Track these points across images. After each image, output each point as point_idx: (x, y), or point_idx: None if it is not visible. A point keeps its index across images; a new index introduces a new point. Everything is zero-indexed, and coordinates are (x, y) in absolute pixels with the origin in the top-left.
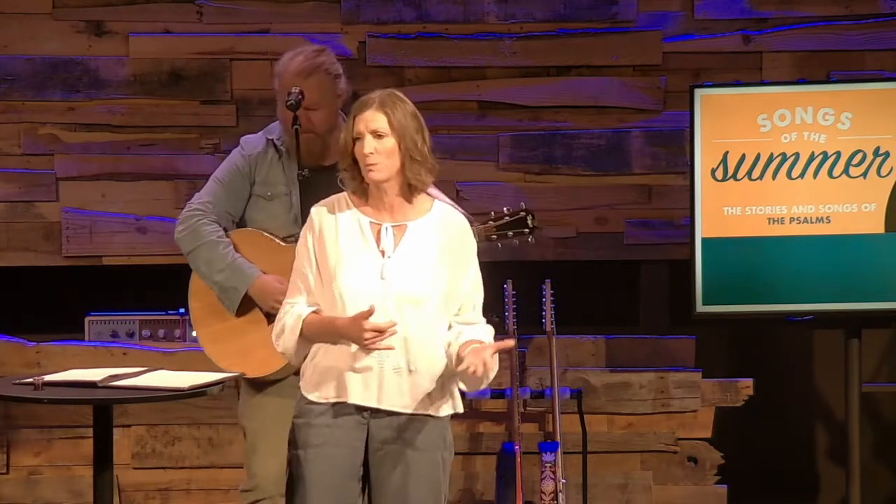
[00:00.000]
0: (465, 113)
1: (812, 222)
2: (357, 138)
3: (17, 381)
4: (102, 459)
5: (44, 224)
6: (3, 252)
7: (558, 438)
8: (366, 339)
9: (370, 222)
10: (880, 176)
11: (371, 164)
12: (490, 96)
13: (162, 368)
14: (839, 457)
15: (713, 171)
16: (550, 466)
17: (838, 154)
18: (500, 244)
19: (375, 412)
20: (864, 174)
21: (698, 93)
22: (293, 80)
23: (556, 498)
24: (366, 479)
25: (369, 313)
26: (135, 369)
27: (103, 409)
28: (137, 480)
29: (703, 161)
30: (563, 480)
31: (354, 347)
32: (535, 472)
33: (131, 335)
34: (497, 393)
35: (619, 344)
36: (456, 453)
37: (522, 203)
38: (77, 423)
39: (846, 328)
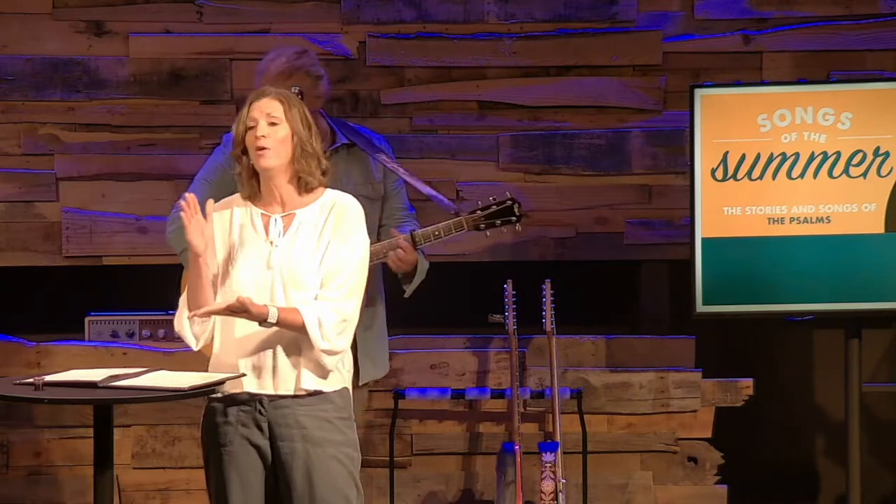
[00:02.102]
0: (465, 113)
1: (812, 222)
2: (251, 126)
3: (18, 381)
4: (102, 459)
5: (44, 224)
6: (3, 252)
7: (558, 438)
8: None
9: (261, 214)
10: (880, 176)
11: (261, 149)
12: (490, 96)
13: (162, 368)
14: (839, 457)
15: (713, 171)
16: (550, 466)
17: (838, 154)
18: (487, 233)
19: (272, 400)
20: (864, 174)
21: (698, 93)
22: (274, 80)
23: (556, 498)
24: (275, 475)
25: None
26: (135, 369)
27: (104, 409)
28: (137, 480)
29: (703, 161)
30: (563, 480)
31: (245, 331)
32: (535, 472)
33: (131, 335)
34: (497, 393)
35: (619, 344)
36: (456, 453)
37: (508, 192)
38: (77, 423)
39: (846, 328)
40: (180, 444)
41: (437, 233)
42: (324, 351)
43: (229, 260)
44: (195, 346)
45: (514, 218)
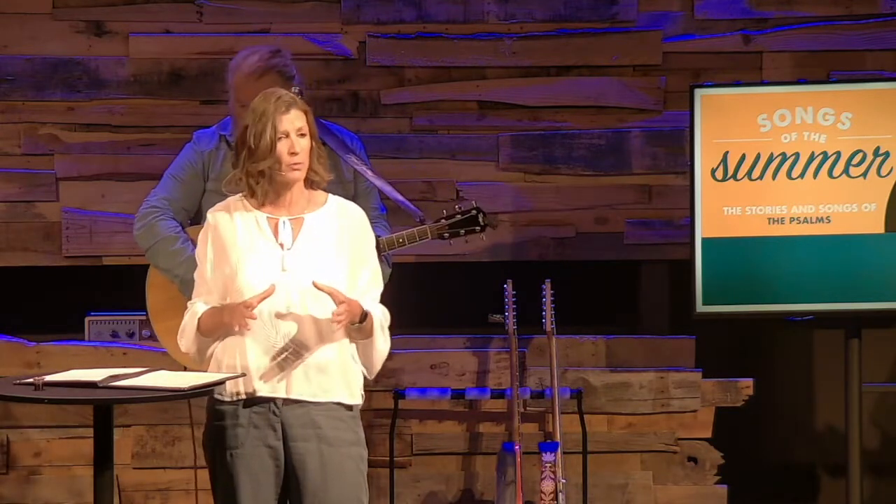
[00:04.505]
0: (465, 113)
1: (812, 222)
2: (281, 138)
3: (18, 381)
4: (102, 459)
5: (44, 224)
6: (3, 252)
7: (558, 438)
8: (245, 320)
9: (267, 217)
10: (880, 176)
11: (297, 164)
12: (490, 96)
13: (162, 368)
14: (839, 457)
15: (713, 171)
16: (550, 466)
17: (838, 154)
18: (451, 242)
19: (286, 402)
20: (864, 174)
21: (698, 93)
22: (246, 78)
23: (556, 498)
24: (287, 475)
25: (266, 295)
26: (135, 369)
27: (104, 409)
28: (137, 480)
29: (703, 161)
30: (563, 480)
31: (253, 335)
32: (535, 472)
33: (131, 335)
34: (497, 393)
35: (619, 344)
36: (456, 453)
37: (474, 201)
38: (77, 423)
39: (846, 328)
40: (180, 444)
41: (400, 240)
42: (384, 354)
43: (237, 264)
44: (199, 363)
45: (477, 227)
